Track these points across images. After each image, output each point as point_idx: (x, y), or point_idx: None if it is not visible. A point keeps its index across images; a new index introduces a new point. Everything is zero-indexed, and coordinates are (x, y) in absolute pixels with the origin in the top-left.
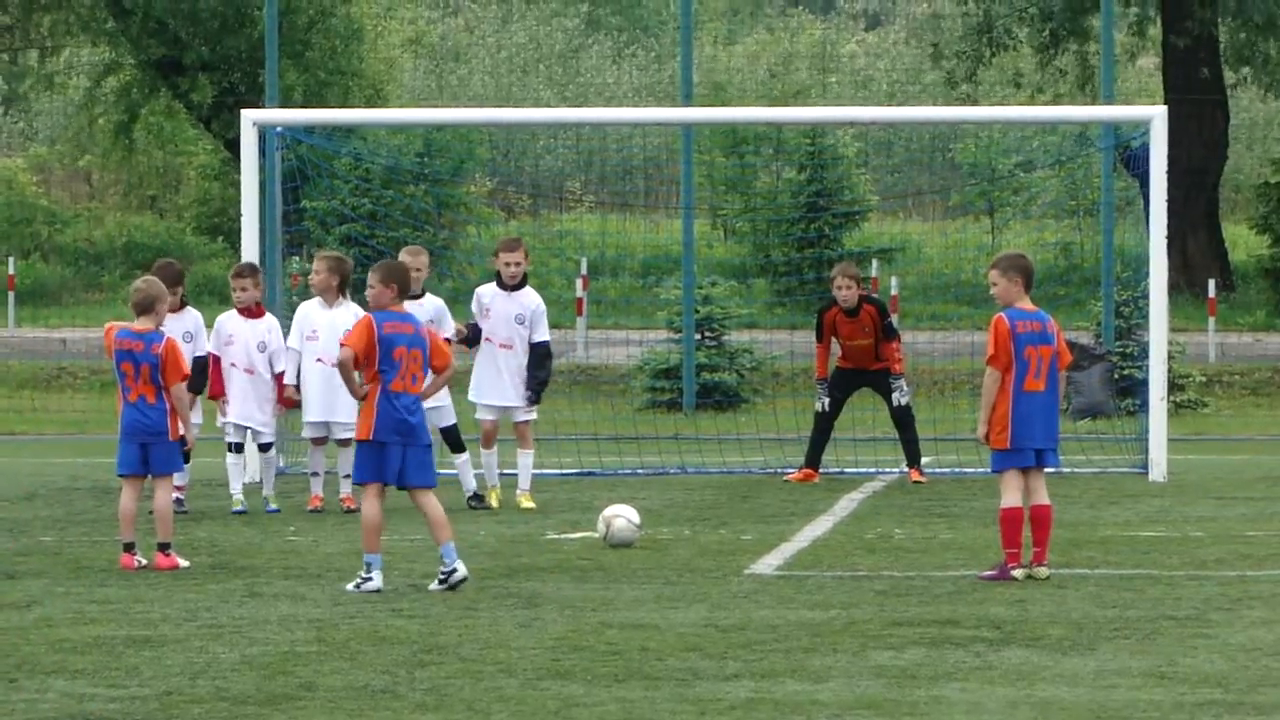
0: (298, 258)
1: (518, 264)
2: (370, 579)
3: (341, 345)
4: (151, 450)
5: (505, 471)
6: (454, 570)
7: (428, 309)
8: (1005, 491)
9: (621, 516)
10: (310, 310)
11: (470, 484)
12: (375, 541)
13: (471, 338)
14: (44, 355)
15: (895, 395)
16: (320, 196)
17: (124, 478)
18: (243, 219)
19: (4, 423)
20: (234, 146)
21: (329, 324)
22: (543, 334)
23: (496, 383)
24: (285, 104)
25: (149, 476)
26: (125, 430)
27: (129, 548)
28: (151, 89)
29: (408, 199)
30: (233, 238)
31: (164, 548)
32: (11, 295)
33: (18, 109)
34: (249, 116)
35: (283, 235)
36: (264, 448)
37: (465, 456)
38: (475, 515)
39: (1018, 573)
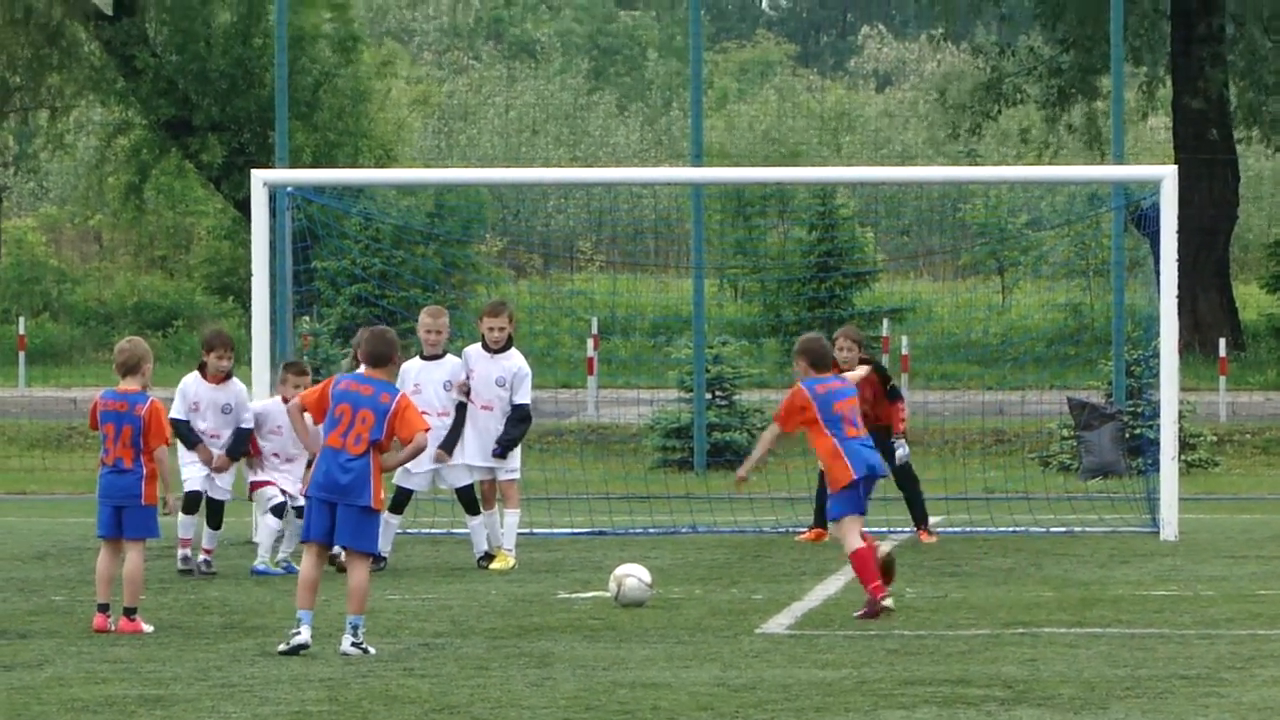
0: (308, 318)
1: (501, 329)
2: (299, 633)
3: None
4: (125, 514)
5: (524, 532)
6: (360, 644)
7: (446, 368)
8: (847, 537)
9: (633, 576)
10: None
11: (482, 546)
12: (306, 598)
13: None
14: (55, 415)
15: (897, 454)
16: (330, 256)
17: (103, 540)
18: (253, 279)
19: (15, 482)
20: (244, 206)
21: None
22: (523, 397)
23: (476, 443)
24: (295, 164)
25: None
26: (101, 492)
27: (103, 609)
28: (162, 149)
29: (418, 259)
30: (243, 297)
31: (130, 612)
32: (22, 355)
33: (27, 169)
34: (259, 176)
35: (293, 295)
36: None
37: (480, 519)
38: (487, 575)
39: (889, 601)
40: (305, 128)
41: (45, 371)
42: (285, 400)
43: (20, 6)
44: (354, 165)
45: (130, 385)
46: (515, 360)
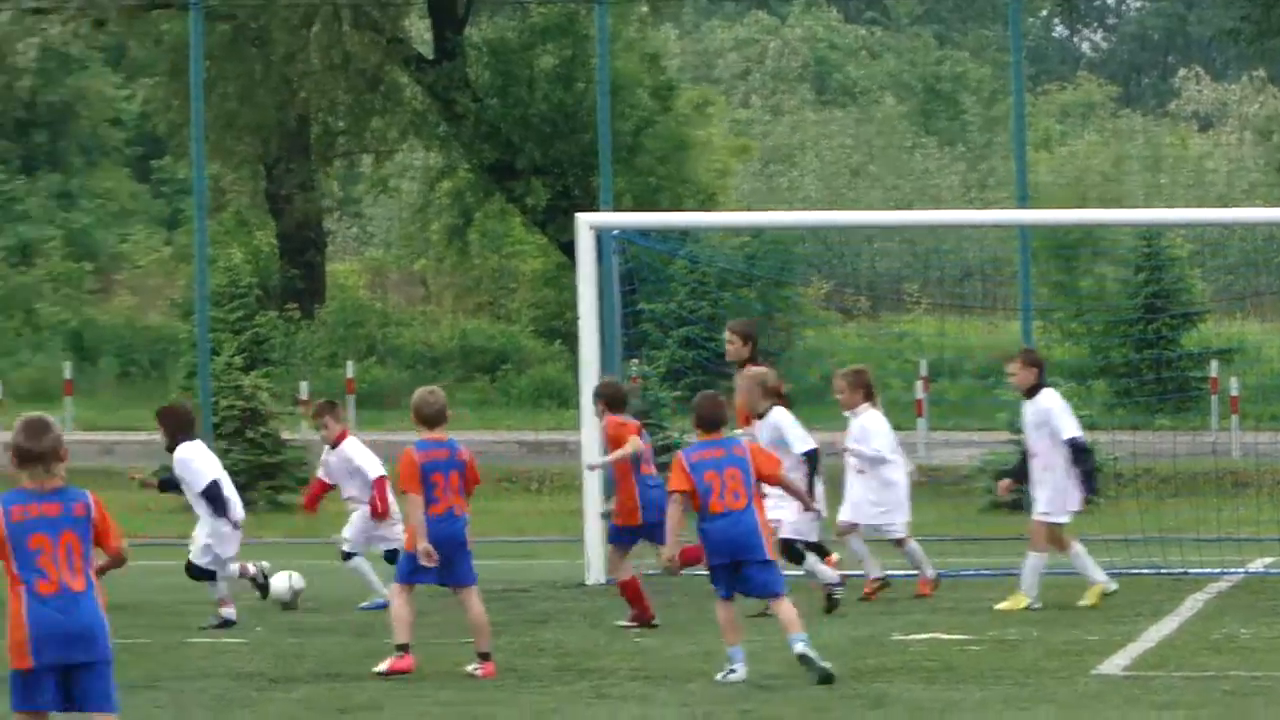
0: (636, 360)
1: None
2: (734, 670)
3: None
4: (456, 561)
5: (856, 574)
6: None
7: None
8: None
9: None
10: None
11: (828, 577)
12: (734, 637)
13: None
14: (385, 458)
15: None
16: (657, 299)
17: (406, 585)
18: (581, 322)
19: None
20: (569, 249)
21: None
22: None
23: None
24: (617, 208)
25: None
26: (434, 543)
27: (403, 648)
28: (485, 193)
29: (744, 301)
30: (570, 340)
31: (488, 656)
32: (351, 398)
33: (351, 214)
34: (584, 220)
35: (621, 337)
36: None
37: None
38: (822, 617)
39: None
40: (627, 172)
41: (374, 415)
42: (337, 441)
43: (340, 52)
44: (676, 209)
45: (440, 434)
46: (1049, 399)
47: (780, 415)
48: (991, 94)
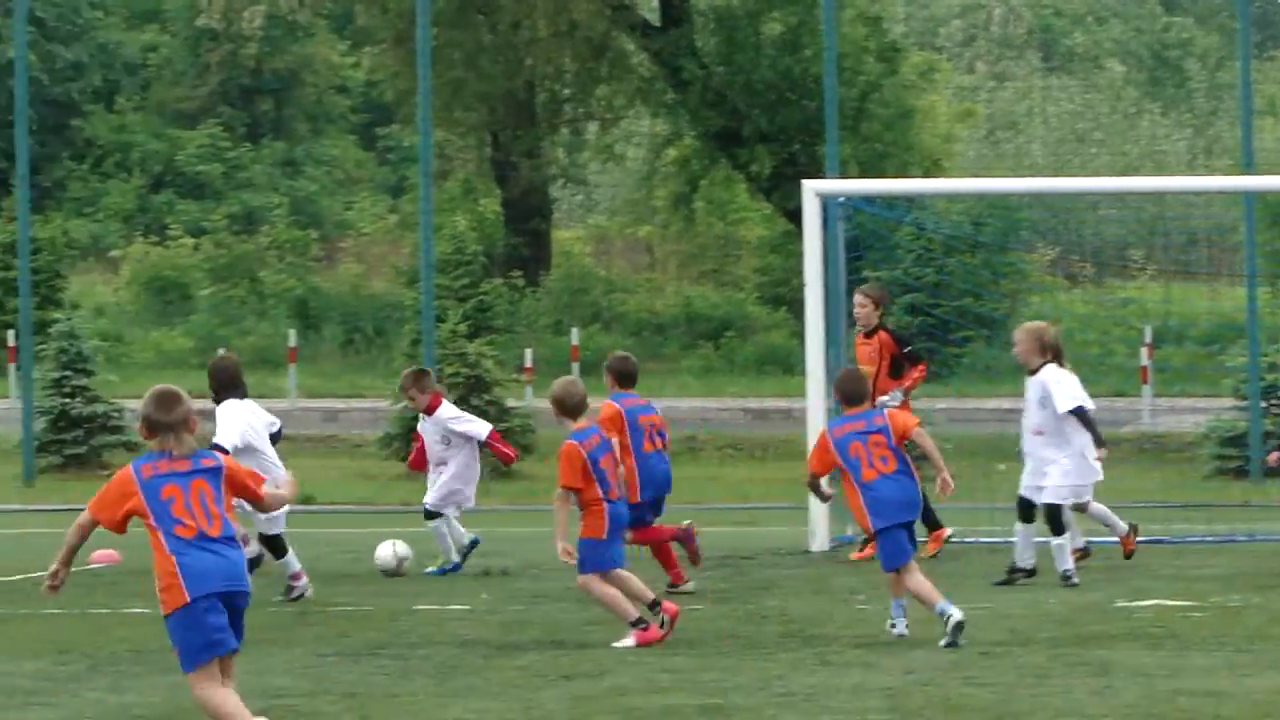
0: None
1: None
2: (950, 616)
3: None
4: (622, 539)
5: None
6: (950, 615)
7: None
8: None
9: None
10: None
11: (1026, 560)
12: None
13: None
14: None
15: (881, 399)
16: (882, 266)
17: (597, 575)
18: (806, 289)
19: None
20: (794, 217)
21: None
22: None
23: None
24: (842, 175)
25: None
26: (615, 526)
27: (640, 623)
28: (711, 160)
29: (969, 268)
30: (795, 307)
31: (655, 604)
32: (576, 366)
33: (577, 181)
34: (811, 187)
35: (846, 305)
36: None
37: (1064, 538)
38: (1045, 584)
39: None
40: (852, 138)
41: (598, 382)
42: (431, 408)
43: (566, 20)
44: (902, 176)
45: (585, 422)
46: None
47: (1049, 374)
48: (1218, 61)
